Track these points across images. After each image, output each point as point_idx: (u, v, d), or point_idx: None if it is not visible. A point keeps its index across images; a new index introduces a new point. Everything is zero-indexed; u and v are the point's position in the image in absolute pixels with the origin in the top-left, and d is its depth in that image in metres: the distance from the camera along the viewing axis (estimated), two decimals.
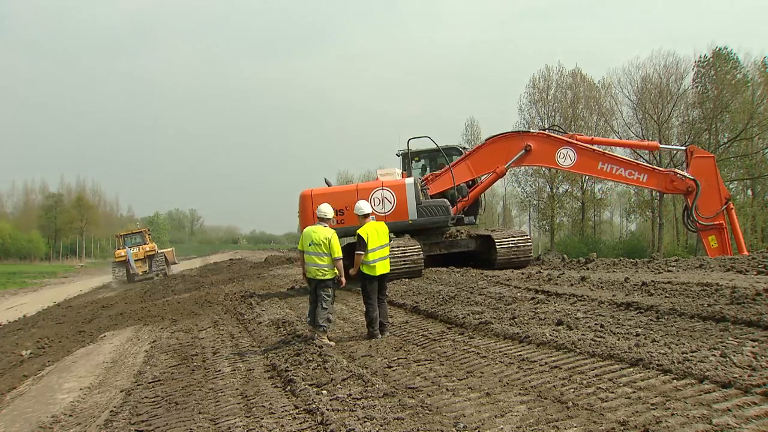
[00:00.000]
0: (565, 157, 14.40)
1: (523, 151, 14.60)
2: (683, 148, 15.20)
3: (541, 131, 15.27)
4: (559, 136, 15.05)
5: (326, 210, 7.53)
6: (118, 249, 34.25)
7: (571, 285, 9.56)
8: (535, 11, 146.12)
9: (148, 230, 37.95)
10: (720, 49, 41.58)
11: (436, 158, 15.71)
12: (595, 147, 14.93)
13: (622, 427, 3.49)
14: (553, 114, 46.28)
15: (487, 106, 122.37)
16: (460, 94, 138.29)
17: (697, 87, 41.94)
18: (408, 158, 15.51)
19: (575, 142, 14.73)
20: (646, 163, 14.72)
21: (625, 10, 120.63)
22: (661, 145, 16.48)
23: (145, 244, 34.47)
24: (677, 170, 14.69)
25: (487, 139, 15.53)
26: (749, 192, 42.31)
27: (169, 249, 39.56)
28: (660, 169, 15.09)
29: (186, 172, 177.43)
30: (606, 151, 15.27)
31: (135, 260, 32.37)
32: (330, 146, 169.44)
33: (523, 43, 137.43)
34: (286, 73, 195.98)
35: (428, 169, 15.82)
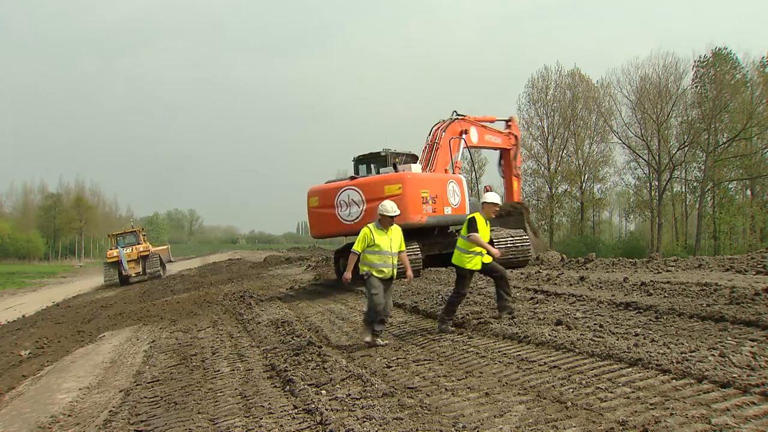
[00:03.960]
0: (473, 135, 15.84)
1: (463, 137, 15.21)
2: (504, 119, 17.75)
3: (455, 118, 15.69)
4: (464, 118, 15.90)
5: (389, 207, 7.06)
6: (110, 249, 31.99)
7: (570, 285, 9.57)
8: (535, 11, 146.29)
9: (142, 230, 35.87)
10: (719, 49, 41.64)
11: (384, 164, 14.91)
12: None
13: (621, 427, 3.49)
14: (552, 114, 46.32)
15: (485, 106, 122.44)
16: (459, 93, 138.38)
17: (696, 87, 41.97)
18: (390, 159, 14.82)
19: (471, 121, 16.10)
20: (502, 130, 17.83)
21: (625, 10, 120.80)
22: (497, 118, 17.99)
23: (138, 244, 32.43)
24: (511, 131, 17.78)
25: (434, 134, 15.17)
26: (748, 192, 42.36)
27: (163, 247, 37.60)
28: (505, 131, 17.63)
29: (186, 172, 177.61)
30: (487, 125, 17.08)
31: (128, 261, 30.52)
32: (329, 146, 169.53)
33: (523, 43, 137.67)
34: (285, 74, 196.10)
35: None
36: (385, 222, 6.97)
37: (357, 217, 12.46)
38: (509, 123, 18.00)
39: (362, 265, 6.94)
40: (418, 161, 14.53)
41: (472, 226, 7.22)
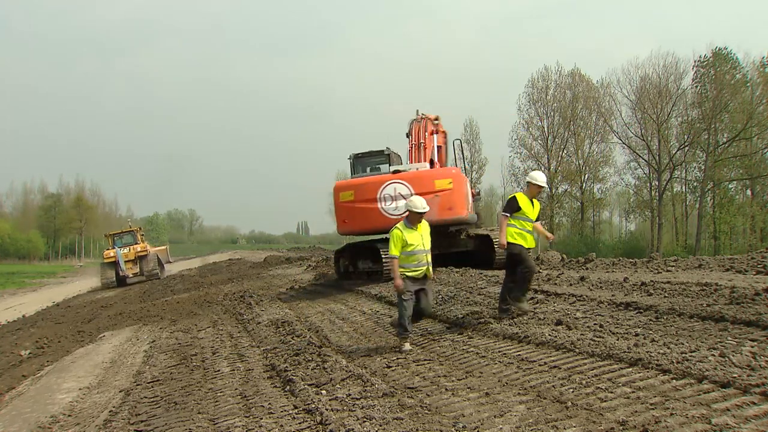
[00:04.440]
0: (439, 134, 15.46)
1: (435, 136, 15.00)
2: (433, 117, 16.17)
3: (427, 117, 15.43)
4: (428, 117, 15.59)
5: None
6: (107, 249, 30.83)
7: (570, 285, 9.55)
8: (535, 11, 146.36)
9: (140, 229, 34.30)
10: (719, 49, 41.67)
11: (386, 162, 14.82)
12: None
13: (621, 427, 3.49)
14: (552, 114, 46.35)
15: (485, 106, 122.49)
16: (459, 93, 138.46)
17: (696, 87, 42.00)
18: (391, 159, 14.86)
19: (431, 120, 15.72)
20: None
21: (625, 10, 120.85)
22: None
23: (136, 243, 31.13)
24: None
25: (416, 134, 14.89)
26: (748, 192, 42.38)
27: (162, 247, 36.29)
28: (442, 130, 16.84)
29: (186, 172, 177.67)
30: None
31: (125, 261, 29.35)
32: (329, 146, 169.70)
33: (523, 43, 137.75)
34: (285, 74, 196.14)
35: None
36: (414, 219, 6.65)
37: (405, 211, 12.38)
38: (436, 122, 17.54)
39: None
40: (411, 161, 14.50)
41: (510, 204, 7.09)
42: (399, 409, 4.31)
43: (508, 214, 7.12)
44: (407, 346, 6.59)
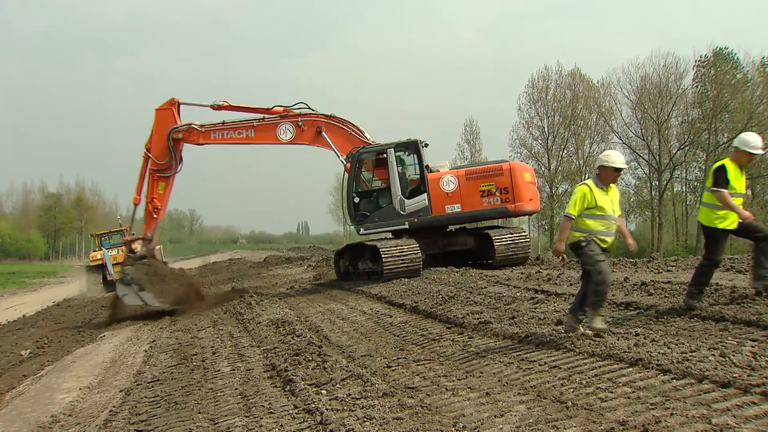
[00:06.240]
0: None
1: None
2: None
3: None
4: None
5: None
6: (94, 251, 28.18)
7: (571, 285, 9.54)
8: (535, 11, 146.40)
9: (130, 228, 30.05)
10: (720, 49, 41.73)
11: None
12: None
13: (621, 427, 3.49)
14: (552, 113, 46.34)
15: (486, 106, 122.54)
16: (460, 92, 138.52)
17: (696, 87, 42.03)
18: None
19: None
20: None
21: (626, 9, 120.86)
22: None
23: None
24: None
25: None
26: (748, 192, 42.40)
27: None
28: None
29: (185, 171, 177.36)
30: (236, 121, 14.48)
31: (113, 264, 25.91)
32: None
33: (523, 43, 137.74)
34: (285, 73, 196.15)
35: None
36: (607, 178, 5.52)
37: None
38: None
39: (576, 232, 5.56)
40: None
41: (719, 176, 5.78)
42: (399, 409, 4.31)
43: (725, 189, 5.74)
44: (600, 323, 5.52)
